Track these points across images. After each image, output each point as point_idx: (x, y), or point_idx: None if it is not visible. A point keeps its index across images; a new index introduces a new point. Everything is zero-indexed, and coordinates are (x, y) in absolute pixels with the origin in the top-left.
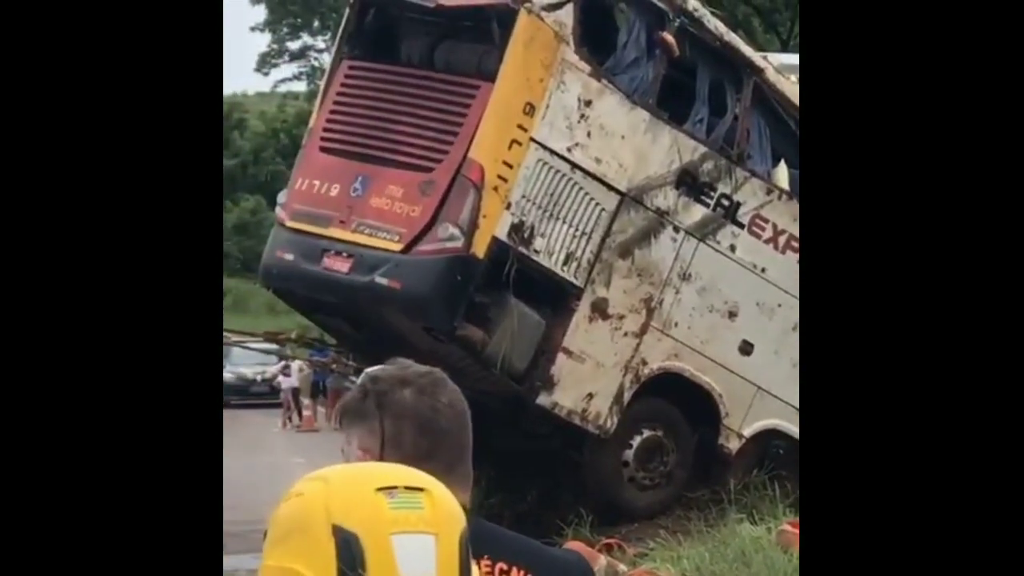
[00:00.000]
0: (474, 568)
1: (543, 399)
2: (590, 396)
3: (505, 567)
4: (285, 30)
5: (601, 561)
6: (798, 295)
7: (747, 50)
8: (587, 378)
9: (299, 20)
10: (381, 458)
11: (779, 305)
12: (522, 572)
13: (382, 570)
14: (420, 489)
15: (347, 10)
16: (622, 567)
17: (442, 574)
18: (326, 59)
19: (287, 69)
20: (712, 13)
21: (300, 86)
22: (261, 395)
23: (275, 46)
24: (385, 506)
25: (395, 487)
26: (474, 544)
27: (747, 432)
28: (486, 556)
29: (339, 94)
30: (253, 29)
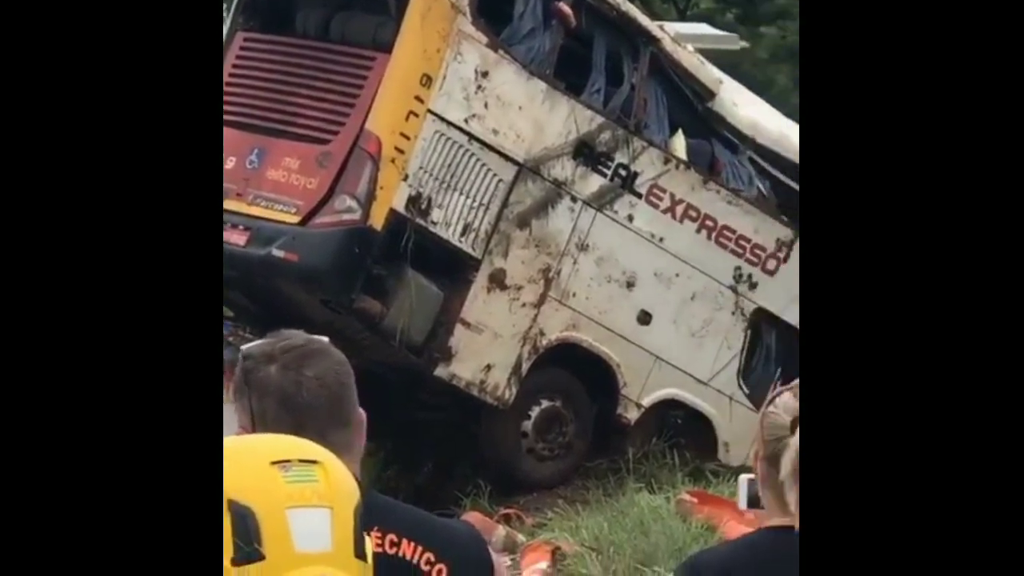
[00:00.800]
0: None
1: (441, 371)
2: (488, 367)
3: (395, 539)
4: None
5: (499, 532)
6: (696, 265)
7: (644, 20)
8: (485, 349)
9: None
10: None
11: (677, 275)
12: (412, 544)
13: (277, 544)
14: (314, 462)
15: None
16: (520, 537)
17: (337, 548)
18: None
19: None
20: None
21: None
22: None
23: None
24: (280, 480)
25: (290, 460)
26: (365, 516)
27: (645, 402)
28: (376, 528)
29: (234, 66)
30: None
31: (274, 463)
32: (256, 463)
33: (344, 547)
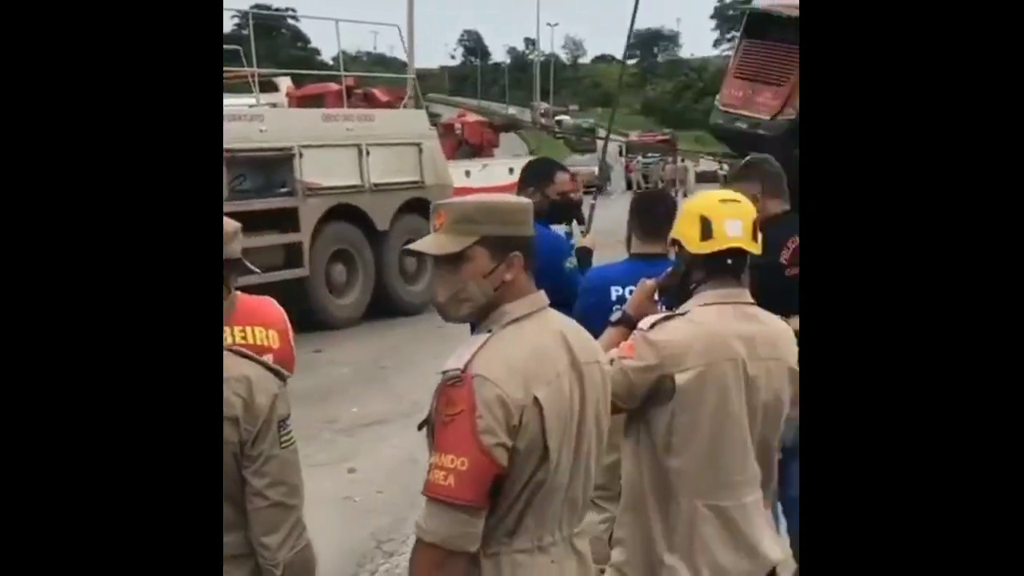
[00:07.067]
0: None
1: None
2: None
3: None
4: None
5: None
6: None
7: None
8: None
9: None
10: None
11: None
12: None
13: (719, 233)
14: (736, 201)
15: (744, 19)
16: None
17: (745, 235)
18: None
19: None
20: None
21: None
22: None
23: None
24: (721, 207)
25: (726, 200)
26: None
27: None
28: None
29: (742, 56)
30: None
31: (720, 201)
32: (713, 200)
33: (747, 235)
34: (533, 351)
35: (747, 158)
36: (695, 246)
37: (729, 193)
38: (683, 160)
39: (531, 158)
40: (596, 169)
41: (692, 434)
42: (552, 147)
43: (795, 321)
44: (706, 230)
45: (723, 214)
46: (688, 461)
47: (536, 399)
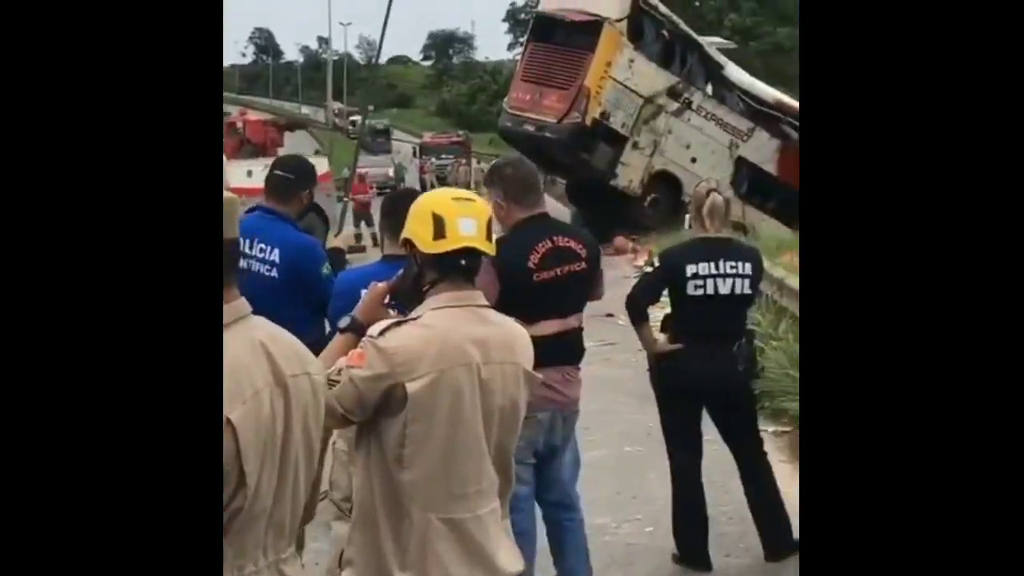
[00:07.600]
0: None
1: (616, 181)
2: (631, 179)
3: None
4: None
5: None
6: (713, 137)
7: (695, 36)
8: (631, 169)
9: None
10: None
11: (706, 143)
12: (569, 240)
13: (453, 232)
14: (470, 199)
15: (531, 21)
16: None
17: (479, 234)
18: None
19: None
20: (683, 21)
21: None
22: None
23: None
24: (456, 205)
25: (460, 198)
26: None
27: (691, 192)
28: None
29: (528, 57)
30: None
31: (454, 199)
32: (446, 198)
33: (482, 235)
34: (227, 367)
35: (492, 163)
36: (428, 246)
37: (463, 191)
38: (479, 162)
39: (287, 155)
40: (390, 171)
41: (425, 445)
42: (346, 147)
43: (542, 327)
44: (439, 229)
45: (456, 212)
46: (421, 473)
47: (228, 421)
